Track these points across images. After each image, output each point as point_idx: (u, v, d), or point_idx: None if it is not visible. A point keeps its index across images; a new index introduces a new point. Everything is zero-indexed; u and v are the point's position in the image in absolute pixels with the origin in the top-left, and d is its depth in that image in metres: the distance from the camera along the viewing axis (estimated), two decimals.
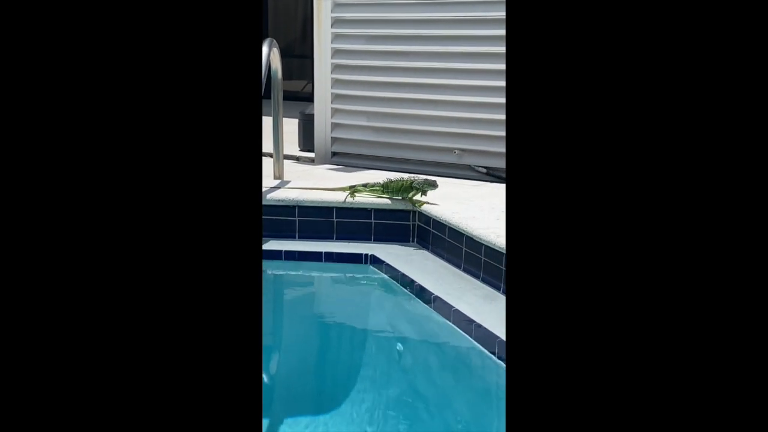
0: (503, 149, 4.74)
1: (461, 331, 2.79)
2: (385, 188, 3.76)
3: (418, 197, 3.69)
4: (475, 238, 3.22)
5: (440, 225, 3.53)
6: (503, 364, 2.52)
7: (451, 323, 2.86)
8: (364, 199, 3.81)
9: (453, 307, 2.92)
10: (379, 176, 3.98)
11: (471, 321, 2.77)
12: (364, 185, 3.85)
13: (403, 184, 3.71)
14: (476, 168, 4.84)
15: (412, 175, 3.81)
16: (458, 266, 3.37)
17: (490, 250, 3.12)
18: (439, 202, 3.70)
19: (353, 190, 3.83)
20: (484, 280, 3.18)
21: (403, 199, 3.71)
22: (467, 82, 4.82)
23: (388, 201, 3.77)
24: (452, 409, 2.57)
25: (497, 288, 3.07)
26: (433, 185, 3.69)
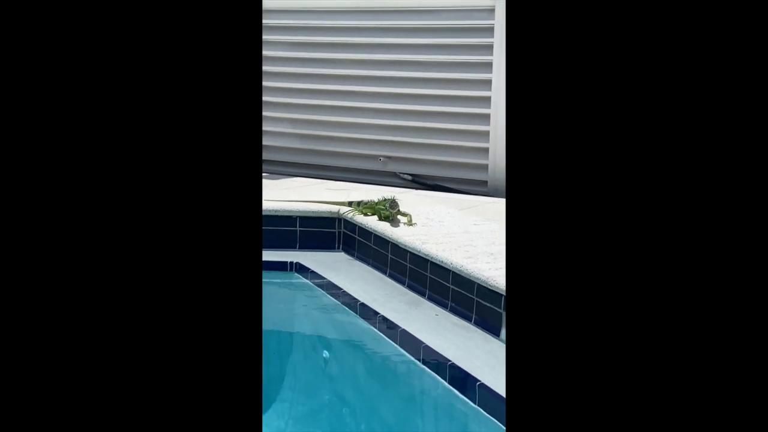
0: (428, 156, 4.80)
1: (386, 337, 2.80)
2: (371, 207, 3.67)
3: (399, 216, 3.58)
4: (400, 245, 3.24)
5: (366, 232, 3.54)
6: (427, 369, 2.54)
7: (376, 329, 2.87)
8: (290, 206, 3.79)
9: (379, 313, 2.93)
10: (317, 185, 3.95)
11: (396, 327, 2.79)
12: (358, 203, 3.76)
13: (384, 203, 3.64)
14: (401, 175, 4.87)
15: (392, 194, 3.74)
16: (384, 272, 3.38)
17: (415, 257, 3.14)
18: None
19: (353, 210, 3.73)
20: (409, 286, 3.20)
21: (383, 217, 3.62)
22: (393, 89, 4.85)
23: (314, 207, 3.76)
24: (377, 413, 2.58)
25: (422, 294, 3.09)
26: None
